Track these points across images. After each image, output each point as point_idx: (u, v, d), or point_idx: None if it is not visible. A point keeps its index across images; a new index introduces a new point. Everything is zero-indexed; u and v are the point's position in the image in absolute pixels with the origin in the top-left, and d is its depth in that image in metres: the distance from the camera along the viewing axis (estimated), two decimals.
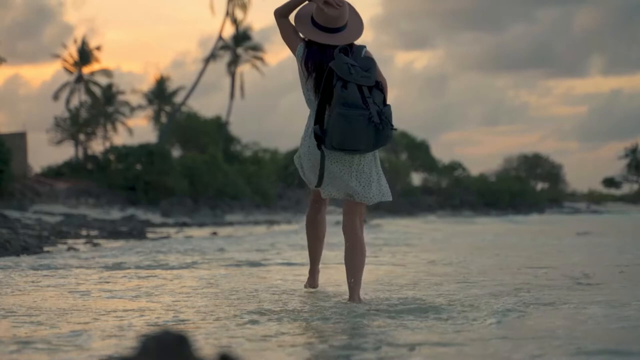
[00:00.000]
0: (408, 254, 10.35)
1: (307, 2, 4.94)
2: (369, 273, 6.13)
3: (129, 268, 7.69)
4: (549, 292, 5.46)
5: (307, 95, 4.99)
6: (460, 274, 7.05)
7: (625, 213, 60.17)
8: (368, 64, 4.78)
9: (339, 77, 4.70)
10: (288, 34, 5.01)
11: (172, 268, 7.75)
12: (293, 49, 4.99)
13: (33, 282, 6.37)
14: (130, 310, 4.66)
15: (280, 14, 4.99)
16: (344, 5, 4.86)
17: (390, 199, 5.01)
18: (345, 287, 5.12)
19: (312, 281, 5.63)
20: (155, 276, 6.92)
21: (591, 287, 5.90)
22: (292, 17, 5.06)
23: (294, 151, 5.81)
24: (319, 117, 4.80)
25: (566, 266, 7.85)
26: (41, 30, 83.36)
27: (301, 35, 4.98)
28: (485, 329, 3.97)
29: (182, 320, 4.24)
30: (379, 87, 4.77)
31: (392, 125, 4.75)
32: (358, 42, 4.97)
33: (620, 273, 7.10)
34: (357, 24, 4.95)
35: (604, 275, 6.87)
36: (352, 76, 4.68)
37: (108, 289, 5.87)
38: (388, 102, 4.85)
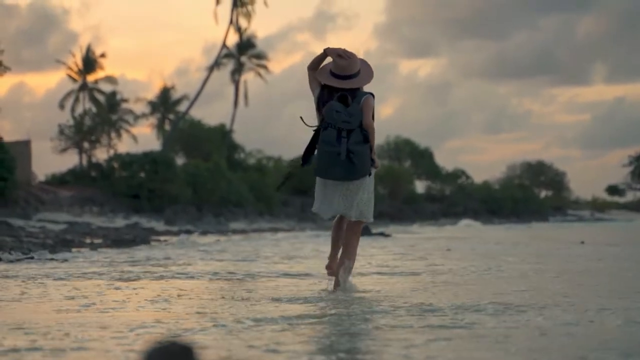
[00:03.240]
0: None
1: (328, 57, 6.14)
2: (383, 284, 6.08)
3: (131, 277, 7.70)
4: None
5: None
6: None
7: (632, 221, 59.96)
8: (354, 110, 5.91)
9: (325, 120, 5.93)
10: (312, 81, 6.24)
11: (175, 277, 7.76)
12: (313, 93, 6.18)
13: (35, 291, 6.38)
14: (135, 320, 4.67)
15: (310, 68, 6.23)
16: (353, 56, 6.08)
17: (370, 220, 6.12)
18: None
19: (332, 264, 6.25)
20: (159, 285, 6.93)
21: None
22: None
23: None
24: (310, 146, 6.01)
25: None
26: (46, 38, 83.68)
27: (320, 81, 6.16)
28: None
29: (187, 330, 4.24)
30: (362, 131, 5.88)
31: (363, 162, 5.83)
32: (370, 89, 6.14)
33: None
34: (367, 75, 6.14)
35: None
36: (334, 120, 5.88)
37: (113, 298, 5.88)
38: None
